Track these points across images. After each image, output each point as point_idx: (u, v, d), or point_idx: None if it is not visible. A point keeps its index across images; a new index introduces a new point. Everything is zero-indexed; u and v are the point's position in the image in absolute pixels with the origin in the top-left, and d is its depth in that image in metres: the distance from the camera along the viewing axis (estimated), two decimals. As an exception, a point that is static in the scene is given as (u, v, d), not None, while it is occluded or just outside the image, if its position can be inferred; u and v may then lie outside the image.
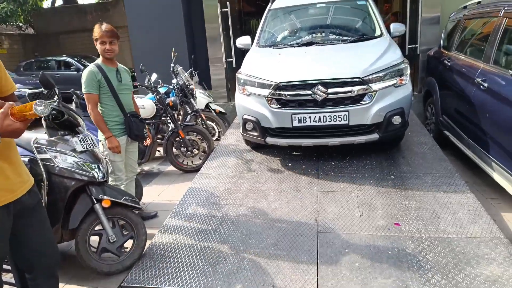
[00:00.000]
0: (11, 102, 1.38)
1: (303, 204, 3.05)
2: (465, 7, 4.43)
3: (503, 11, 3.29)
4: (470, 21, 4.18)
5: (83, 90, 2.81)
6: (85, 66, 11.46)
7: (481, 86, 3.26)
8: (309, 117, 3.36)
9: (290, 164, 3.83)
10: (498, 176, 3.01)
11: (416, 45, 5.97)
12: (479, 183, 3.61)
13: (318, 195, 3.17)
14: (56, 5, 18.09)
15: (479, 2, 4.04)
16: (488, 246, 2.35)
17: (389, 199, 3.02)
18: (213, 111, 5.51)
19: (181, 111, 5.12)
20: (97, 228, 2.55)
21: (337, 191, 3.22)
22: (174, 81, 5.03)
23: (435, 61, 4.79)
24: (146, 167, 4.77)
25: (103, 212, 2.48)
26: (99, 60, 2.90)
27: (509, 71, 2.74)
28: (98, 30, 2.78)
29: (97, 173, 2.50)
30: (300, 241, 2.59)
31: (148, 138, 3.30)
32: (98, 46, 2.81)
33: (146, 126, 3.11)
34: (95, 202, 2.47)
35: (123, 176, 3.02)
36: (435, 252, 2.34)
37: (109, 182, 2.85)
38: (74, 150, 2.49)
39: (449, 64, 4.20)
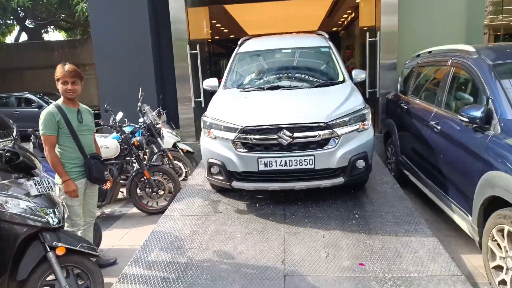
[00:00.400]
0: None
1: (270, 246, 3.02)
2: (418, 55, 4.80)
3: (450, 60, 3.60)
4: (423, 68, 4.53)
5: (40, 132, 2.72)
6: (47, 103, 11.30)
7: (434, 129, 3.48)
8: (275, 161, 3.38)
9: (257, 205, 3.82)
10: (452, 213, 3.14)
11: (376, 89, 6.33)
12: (438, 221, 3.74)
13: (285, 236, 3.15)
14: (20, 40, 17.80)
15: (430, 52, 4.40)
16: (447, 284, 2.41)
17: (354, 238, 3.05)
18: (180, 151, 5.46)
19: (147, 150, 5.04)
20: (49, 278, 2.37)
21: (303, 231, 3.22)
22: (141, 120, 4.99)
23: (393, 105, 5.09)
24: (106, 210, 4.57)
25: (56, 261, 2.32)
26: (59, 101, 2.84)
27: (457, 115, 2.95)
28: (60, 70, 2.76)
29: (52, 219, 2.37)
30: (267, 285, 2.53)
31: (108, 181, 3.18)
32: (59, 86, 2.77)
33: (108, 168, 3.00)
34: (48, 249, 2.32)
35: (81, 221, 2.87)
36: (399, 293, 2.35)
37: (65, 228, 2.69)
38: (28, 194, 2.37)
39: (406, 107, 4.47)
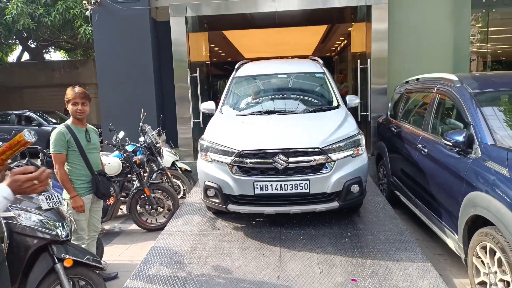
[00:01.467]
0: None
1: (266, 261, 3.14)
2: (407, 82, 5.07)
3: (436, 88, 3.86)
4: (411, 94, 4.79)
5: (51, 150, 2.89)
6: (47, 122, 11.45)
7: (422, 152, 3.68)
8: (271, 185, 3.42)
9: (253, 222, 3.95)
10: (440, 232, 3.31)
11: (367, 113, 6.60)
12: (427, 239, 3.90)
13: (281, 252, 3.28)
14: (22, 59, 18.10)
15: (417, 79, 4.67)
16: (435, 299, 2.54)
17: (347, 255, 3.19)
18: (179, 169, 5.61)
19: (147, 168, 5.18)
20: (55, 289, 2.47)
21: (298, 248, 3.35)
22: (141, 139, 5.16)
23: (384, 128, 5.33)
24: (107, 226, 4.67)
25: (64, 272, 2.42)
26: (69, 121, 3.02)
27: (442, 139, 3.17)
28: (71, 92, 2.95)
29: (60, 231, 2.50)
30: (263, 299, 2.64)
31: (112, 197, 3.34)
32: (70, 107, 2.96)
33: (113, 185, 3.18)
34: (57, 261, 2.43)
35: (85, 235, 3.01)
36: (389, 307, 2.49)
37: (71, 241, 2.81)
38: (39, 208, 2.50)
39: (396, 131, 4.70)
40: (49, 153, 3.85)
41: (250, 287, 2.79)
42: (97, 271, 2.65)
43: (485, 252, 2.56)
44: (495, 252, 2.44)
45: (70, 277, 2.49)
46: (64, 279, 2.42)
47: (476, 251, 2.66)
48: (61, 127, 2.95)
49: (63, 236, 2.49)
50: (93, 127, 3.21)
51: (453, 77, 3.55)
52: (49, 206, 2.52)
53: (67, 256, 2.45)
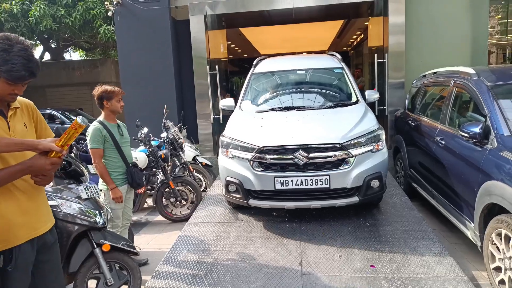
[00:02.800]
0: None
1: (288, 249, 3.30)
2: (424, 76, 5.11)
3: (453, 81, 3.91)
4: (429, 88, 4.84)
5: (89, 146, 3.11)
6: (69, 119, 11.87)
7: (439, 144, 3.76)
8: (291, 180, 3.47)
9: (274, 214, 4.11)
10: (456, 221, 3.39)
11: (385, 107, 6.65)
12: (444, 230, 3.98)
13: (301, 241, 3.43)
14: (43, 59, 18.70)
15: (435, 73, 4.72)
16: (452, 284, 2.65)
17: (365, 244, 3.31)
18: (200, 164, 5.81)
19: (170, 163, 5.40)
20: (94, 272, 2.69)
21: (318, 237, 3.49)
22: (163, 134, 5.37)
23: (402, 121, 5.38)
24: (134, 217, 4.89)
25: (102, 256, 2.65)
26: (101, 117, 3.22)
27: (459, 131, 3.24)
28: (116, 89, 3.20)
29: (98, 219, 2.71)
30: (286, 283, 2.80)
31: (143, 187, 3.57)
32: (113, 103, 3.18)
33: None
34: (95, 246, 2.65)
35: (120, 223, 3.23)
36: (407, 291, 2.61)
37: (107, 229, 3.03)
38: (78, 197, 2.72)
39: (413, 124, 4.77)
40: (82, 148, 4.12)
41: (273, 272, 2.95)
42: (131, 256, 2.86)
43: (500, 239, 2.65)
44: (510, 238, 2.53)
45: (107, 261, 2.71)
46: (102, 263, 2.65)
47: (491, 238, 2.74)
48: (96, 124, 3.14)
49: (100, 223, 2.70)
50: (122, 122, 3.42)
51: (470, 70, 3.60)
52: (88, 196, 2.74)
53: (105, 242, 2.66)
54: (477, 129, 2.99)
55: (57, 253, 1.93)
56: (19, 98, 1.80)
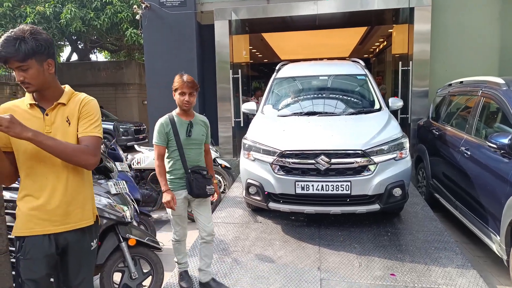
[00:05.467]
0: None
1: (306, 253, 3.31)
2: (450, 85, 5.05)
3: (480, 91, 3.86)
4: (454, 97, 4.77)
5: (153, 141, 2.72)
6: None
7: (465, 154, 3.70)
8: (312, 185, 3.48)
9: (293, 218, 4.13)
10: (481, 234, 3.33)
11: (408, 115, 6.57)
12: (467, 242, 3.90)
13: (320, 246, 3.44)
14: (71, 60, 19.34)
15: (461, 82, 4.65)
16: (475, 296, 2.60)
17: (385, 252, 3.29)
18: (219, 165, 5.88)
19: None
20: (120, 265, 2.78)
21: (337, 243, 3.49)
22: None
23: (425, 130, 5.32)
24: (155, 215, 5.02)
25: (128, 250, 2.74)
26: (174, 111, 2.76)
27: (486, 142, 3.19)
28: (179, 80, 2.65)
29: (126, 214, 2.80)
30: (305, 286, 2.82)
31: (211, 195, 2.81)
32: (176, 96, 2.66)
33: (214, 182, 2.81)
34: (122, 240, 2.74)
35: (182, 234, 2.82)
36: (428, 301, 2.58)
37: (172, 239, 2.85)
38: (108, 192, 2.82)
39: (437, 133, 4.70)
40: (111, 146, 4.24)
41: (292, 275, 2.97)
42: (155, 252, 2.94)
43: (528, 254, 2.59)
44: (538, 253, 2.47)
45: (132, 255, 2.79)
46: (128, 256, 2.73)
47: (518, 252, 2.69)
48: (163, 118, 2.71)
49: (128, 218, 2.80)
50: (202, 118, 2.83)
51: (499, 80, 3.55)
52: (117, 191, 2.85)
53: (131, 236, 2.75)
54: (506, 140, 2.94)
55: (87, 256, 1.84)
56: (73, 93, 1.85)
